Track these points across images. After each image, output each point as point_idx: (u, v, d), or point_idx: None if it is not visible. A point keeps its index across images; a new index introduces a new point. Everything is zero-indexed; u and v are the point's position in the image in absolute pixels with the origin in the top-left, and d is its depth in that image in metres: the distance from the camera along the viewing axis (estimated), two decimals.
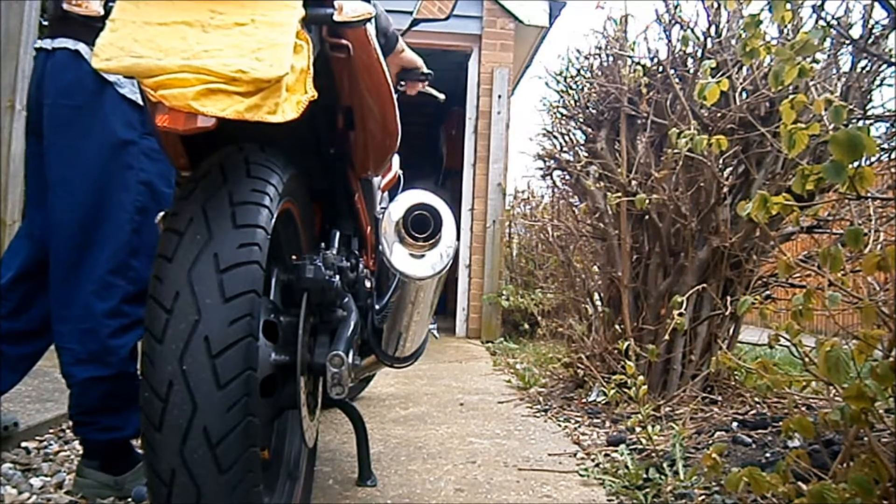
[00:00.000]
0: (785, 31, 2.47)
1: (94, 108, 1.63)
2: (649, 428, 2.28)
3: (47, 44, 1.68)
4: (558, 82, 3.84)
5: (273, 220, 1.12)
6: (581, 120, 3.67)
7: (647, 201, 2.80)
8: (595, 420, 2.81)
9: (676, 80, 2.92)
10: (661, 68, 3.16)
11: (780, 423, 1.90)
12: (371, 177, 1.79)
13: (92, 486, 1.76)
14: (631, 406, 2.75)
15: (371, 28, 1.33)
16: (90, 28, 1.59)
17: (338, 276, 1.41)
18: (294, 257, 1.41)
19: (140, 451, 1.79)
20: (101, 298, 1.64)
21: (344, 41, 1.29)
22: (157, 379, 0.99)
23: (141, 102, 1.64)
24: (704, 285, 2.76)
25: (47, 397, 2.50)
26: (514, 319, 5.98)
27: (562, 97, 3.85)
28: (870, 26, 2.46)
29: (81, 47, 1.63)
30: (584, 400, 3.09)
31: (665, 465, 2.03)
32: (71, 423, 1.78)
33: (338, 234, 1.60)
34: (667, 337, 2.64)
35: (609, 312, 3.31)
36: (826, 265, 1.34)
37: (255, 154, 1.17)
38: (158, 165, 1.68)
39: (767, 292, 3.00)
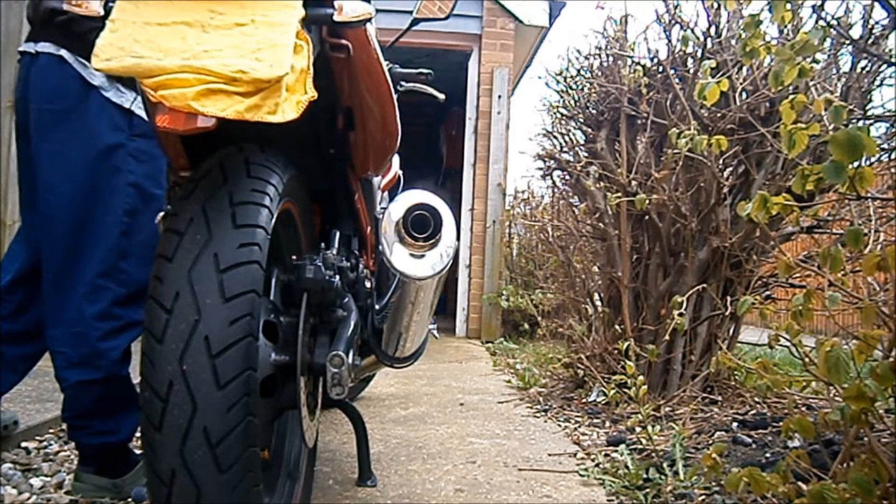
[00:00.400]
0: (785, 31, 2.47)
1: (79, 112, 1.63)
2: (649, 428, 2.28)
3: (30, 47, 1.67)
4: (558, 82, 3.85)
5: (273, 221, 1.12)
6: (581, 120, 3.67)
7: (647, 201, 2.80)
8: (595, 420, 2.81)
9: (676, 80, 2.92)
10: (661, 68, 3.16)
11: (780, 424, 1.90)
12: (371, 177, 1.79)
13: (89, 491, 1.76)
14: (631, 406, 2.75)
15: (371, 28, 1.33)
16: (70, 33, 1.60)
17: (338, 277, 1.41)
18: (294, 257, 1.41)
19: (139, 452, 1.80)
20: (91, 301, 1.64)
21: (344, 41, 1.29)
22: (157, 379, 0.99)
23: (126, 106, 1.65)
24: (704, 285, 2.76)
25: (47, 397, 2.50)
26: (514, 320, 5.98)
27: (562, 97, 3.85)
28: (870, 26, 2.46)
29: (64, 52, 1.63)
30: (584, 400, 3.09)
31: (665, 465, 2.03)
32: (65, 426, 1.77)
33: (338, 234, 1.59)
34: (667, 337, 2.64)
35: (609, 313, 3.31)
36: (826, 265, 1.34)
37: (255, 154, 1.17)
38: (146, 167, 1.68)
39: (767, 292, 2.99)
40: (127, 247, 1.67)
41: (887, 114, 2.56)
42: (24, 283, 1.75)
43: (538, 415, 2.97)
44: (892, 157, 2.55)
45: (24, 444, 2.14)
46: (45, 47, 1.64)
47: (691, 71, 2.98)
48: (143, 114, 1.65)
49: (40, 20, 1.67)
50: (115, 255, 1.66)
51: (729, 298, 2.60)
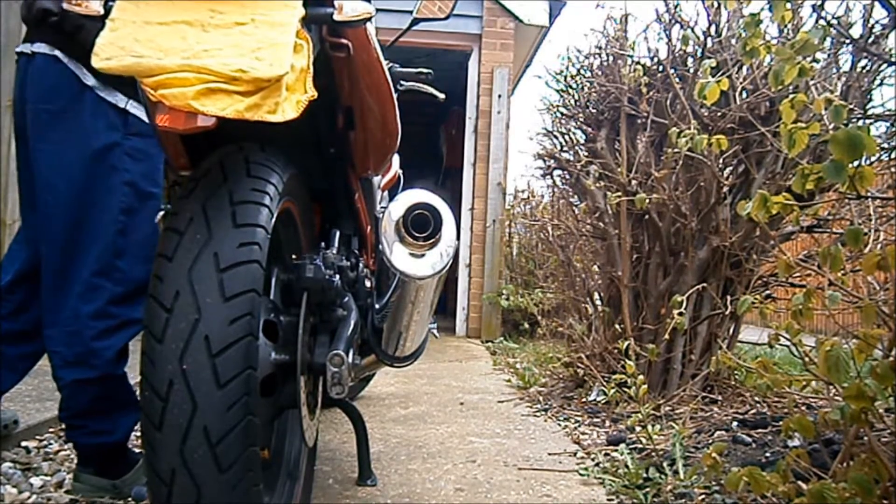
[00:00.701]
0: (785, 30, 2.47)
1: (74, 112, 1.63)
2: (649, 427, 2.28)
3: (27, 48, 1.68)
4: (558, 82, 3.84)
5: (273, 220, 1.12)
6: (581, 119, 3.67)
7: (647, 201, 2.80)
8: (595, 419, 2.81)
9: (676, 79, 2.92)
10: (661, 68, 3.16)
11: (780, 423, 1.90)
12: (371, 176, 1.79)
13: (89, 491, 1.76)
14: (631, 405, 2.75)
15: (371, 27, 1.33)
16: (64, 35, 1.60)
17: (338, 276, 1.41)
18: (294, 257, 1.41)
19: (138, 451, 1.80)
20: (86, 300, 1.64)
21: (344, 41, 1.29)
22: (157, 378, 0.99)
23: (121, 106, 1.65)
24: (704, 285, 2.76)
25: (47, 396, 2.50)
26: (514, 319, 5.98)
27: (562, 97, 3.85)
28: (870, 26, 2.46)
29: (58, 53, 1.63)
30: (584, 399, 3.09)
31: (665, 464, 2.04)
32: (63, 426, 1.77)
33: (338, 233, 1.59)
34: (667, 336, 2.64)
35: (609, 312, 3.31)
36: (826, 265, 1.34)
37: (255, 153, 1.17)
38: (142, 166, 1.68)
39: (767, 292, 2.99)
40: (123, 245, 1.67)
41: (887, 113, 2.56)
42: (24, 282, 1.75)
43: (538, 414, 2.97)
44: (892, 156, 2.55)
45: (24, 444, 2.14)
46: (40, 48, 1.65)
47: (691, 70, 2.98)
48: (138, 113, 1.65)
49: (34, 20, 1.67)
50: (111, 254, 1.66)
51: (729, 298, 2.60)
